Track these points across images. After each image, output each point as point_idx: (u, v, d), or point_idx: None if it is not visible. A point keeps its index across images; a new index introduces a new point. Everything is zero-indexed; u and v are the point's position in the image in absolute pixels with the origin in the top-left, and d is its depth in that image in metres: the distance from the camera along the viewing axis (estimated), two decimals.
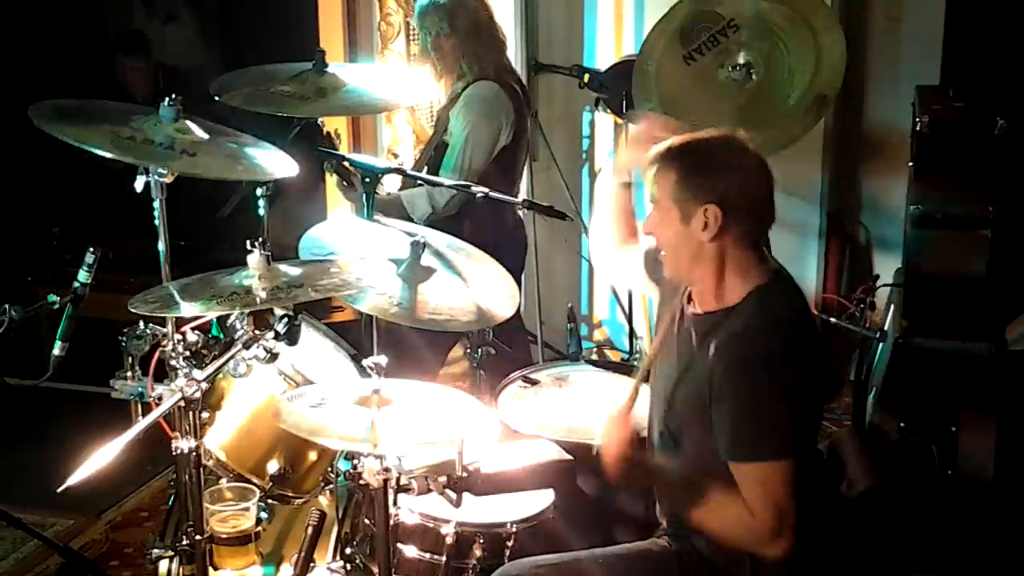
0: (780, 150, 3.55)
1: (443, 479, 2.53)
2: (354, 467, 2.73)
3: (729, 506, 2.63)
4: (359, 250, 3.13)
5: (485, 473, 2.56)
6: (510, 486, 2.70)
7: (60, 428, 4.71)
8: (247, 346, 2.72)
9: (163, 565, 3.20)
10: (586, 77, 5.19)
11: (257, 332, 2.73)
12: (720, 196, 2.64)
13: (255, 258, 2.64)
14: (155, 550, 3.07)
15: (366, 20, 5.30)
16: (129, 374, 2.93)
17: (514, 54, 5.35)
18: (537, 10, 5.45)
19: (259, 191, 3.36)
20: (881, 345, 4.33)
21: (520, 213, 4.65)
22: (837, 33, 3.74)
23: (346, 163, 3.81)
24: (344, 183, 4.03)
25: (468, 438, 2.50)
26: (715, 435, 2.64)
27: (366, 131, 5.30)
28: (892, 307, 4.44)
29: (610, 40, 5.34)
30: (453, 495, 2.53)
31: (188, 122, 2.90)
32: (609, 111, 5.26)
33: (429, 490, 2.57)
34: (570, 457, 2.67)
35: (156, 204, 2.86)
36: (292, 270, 2.69)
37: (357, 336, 3.38)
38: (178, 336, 2.88)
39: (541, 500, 2.95)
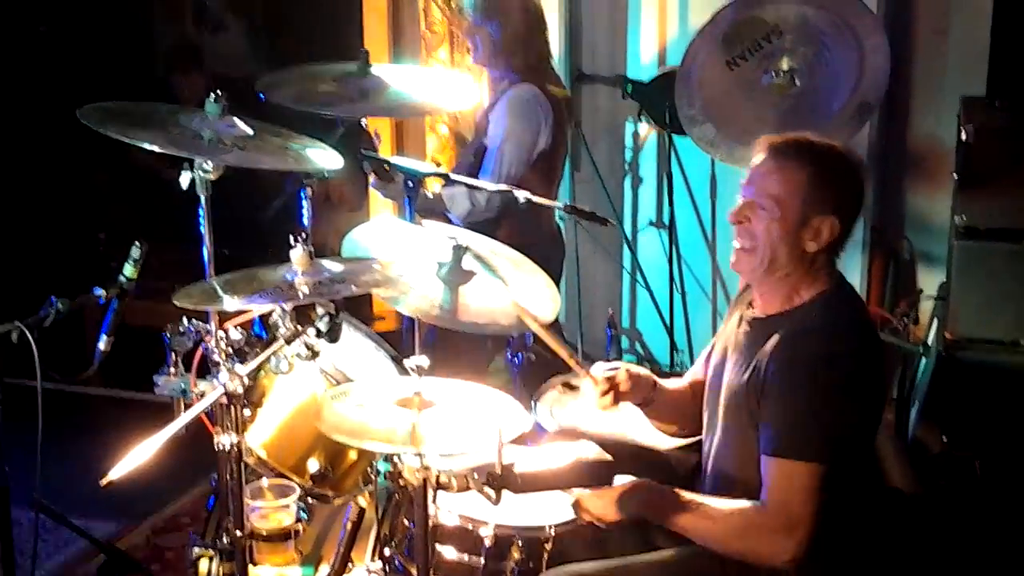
0: None
1: (482, 476, 2.52)
2: (393, 466, 2.73)
3: (735, 511, 2.62)
4: (401, 252, 3.14)
5: (524, 471, 2.54)
6: (549, 484, 2.68)
7: (103, 432, 4.71)
8: (289, 342, 2.72)
9: (203, 565, 3.24)
10: (629, 88, 5.22)
11: (299, 328, 2.73)
12: (843, 210, 2.64)
13: (298, 253, 2.65)
14: (195, 548, 3.10)
15: (411, 28, 5.34)
16: (172, 371, 2.95)
17: (558, 64, 5.37)
18: (581, 20, 5.46)
19: (303, 193, 3.38)
20: (924, 359, 4.30)
21: (558, 223, 4.65)
22: (881, 39, 3.73)
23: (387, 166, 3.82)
24: (381, 181, 4.03)
25: (507, 435, 2.49)
26: (756, 430, 2.63)
27: (409, 135, 5.33)
28: (936, 321, 4.40)
29: (654, 51, 5.34)
30: (492, 492, 2.51)
31: (235, 118, 2.92)
32: (652, 122, 5.27)
33: (468, 487, 2.55)
34: (610, 457, 2.66)
35: (201, 201, 2.88)
36: (335, 266, 2.69)
37: (398, 343, 3.39)
38: (221, 333, 2.90)
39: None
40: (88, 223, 6.12)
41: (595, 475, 2.65)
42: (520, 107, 4.23)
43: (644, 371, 2.99)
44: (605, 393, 2.88)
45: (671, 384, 3.07)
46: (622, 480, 2.75)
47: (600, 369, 2.93)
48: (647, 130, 5.43)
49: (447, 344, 3.76)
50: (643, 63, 5.37)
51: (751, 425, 2.69)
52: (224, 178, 2.92)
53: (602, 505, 2.71)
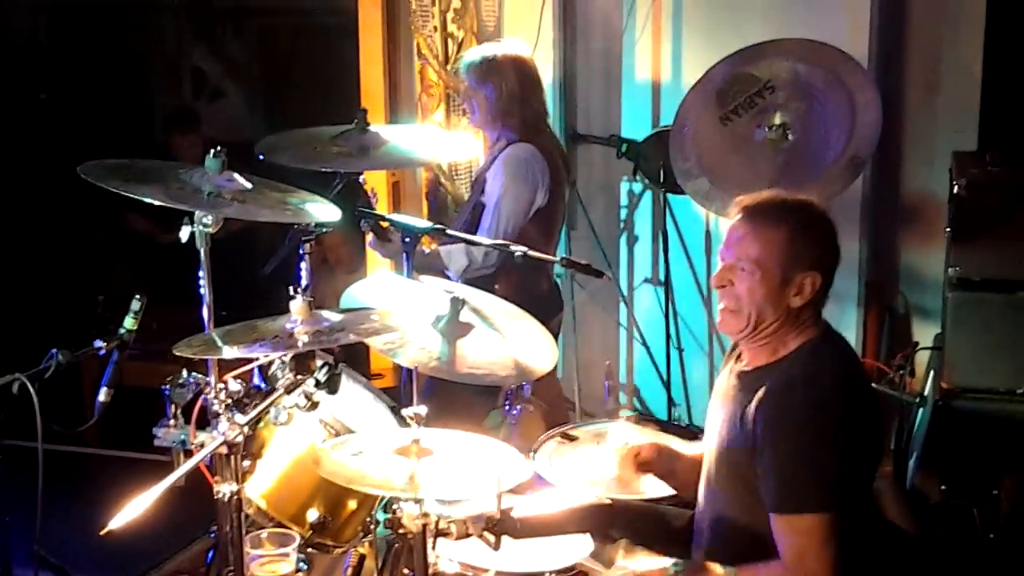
0: None
1: (481, 522, 2.53)
2: (392, 513, 2.74)
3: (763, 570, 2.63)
4: (399, 306, 3.16)
5: (523, 516, 2.56)
6: (549, 529, 2.69)
7: (102, 491, 4.70)
8: (288, 391, 2.75)
9: None
10: (624, 147, 5.25)
11: (299, 377, 2.75)
12: (823, 263, 2.67)
13: (298, 303, 2.69)
14: None
15: (407, 92, 5.41)
16: (172, 422, 2.96)
17: (552, 124, 5.43)
18: (575, 80, 5.52)
19: (302, 250, 3.42)
20: (921, 410, 4.32)
21: (556, 280, 4.69)
22: (873, 94, 3.78)
23: (385, 223, 3.86)
24: (379, 240, 4.06)
25: (506, 482, 2.51)
26: (758, 488, 2.64)
27: (406, 196, 5.39)
28: (932, 372, 4.42)
29: (647, 110, 5.39)
30: (492, 538, 2.52)
31: (234, 173, 2.96)
32: (647, 181, 5.31)
33: (468, 534, 2.57)
34: (608, 501, 2.67)
35: (201, 255, 2.90)
36: (333, 316, 2.72)
37: (396, 399, 3.40)
38: (220, 385, 2.92)
39: (579, 548, 2.95)
40: (87, 285, 6.16)
41: (594, 520, 2.66)
42: (516, 166, 4.27)
43: (666, 444, 3.01)
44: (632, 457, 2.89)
45: (691, 449, 3.09)
46: (657, 560, 2.76)
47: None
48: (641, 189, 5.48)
49: (443, 398, 3.78)
50: (637, 122, 5.42)
51: (740, 481, 2.71)
52: (222, 239, 2.95)
53: None
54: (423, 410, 2.68)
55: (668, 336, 5.24)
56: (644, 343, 5.44)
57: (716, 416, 2.87)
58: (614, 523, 2.75)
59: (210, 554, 3.34)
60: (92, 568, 4.25)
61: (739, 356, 2.86)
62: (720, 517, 2.82)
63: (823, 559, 2.54)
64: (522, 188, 4.26)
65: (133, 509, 2.55)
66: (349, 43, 5.55)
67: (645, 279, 5.56)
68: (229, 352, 2.62)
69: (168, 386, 2.96)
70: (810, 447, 2.57)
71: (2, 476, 2.80)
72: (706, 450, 2.90)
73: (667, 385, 5.24)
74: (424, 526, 2.60)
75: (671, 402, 5.26)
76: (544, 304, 4.36)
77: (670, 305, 5.26)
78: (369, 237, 4.10)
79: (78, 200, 6.41)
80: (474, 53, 4.42)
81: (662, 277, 5.31)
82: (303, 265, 3.43)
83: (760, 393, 2.66)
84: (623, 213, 5.56)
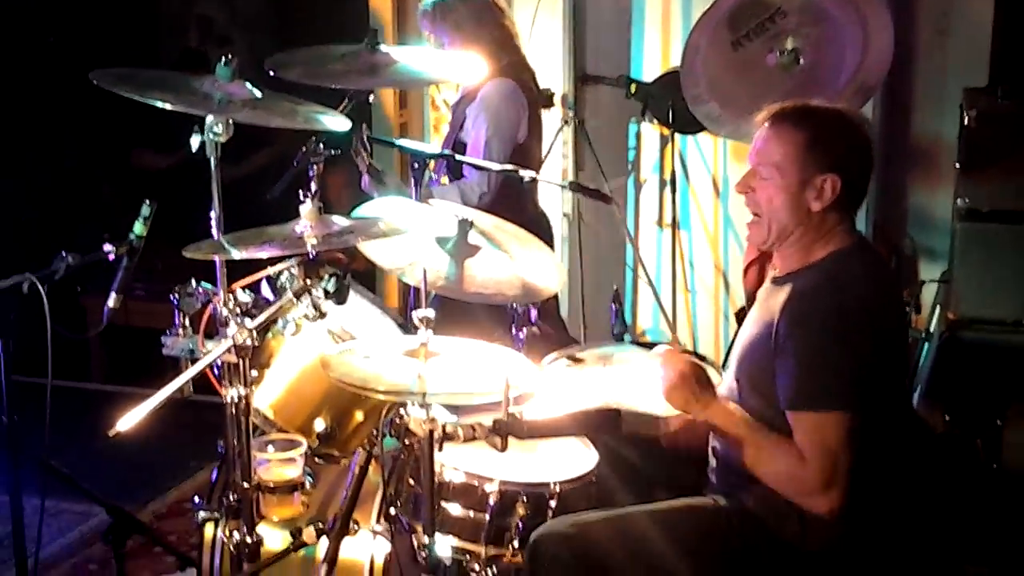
0: None
1: (488, 424, 2.54)
2: (399, 418, 2.75)
3: (782, 454, 2.64)
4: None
5: (530, 418, 2.57)
6: (555, 431, 2.71)
7: (106, 427, 4.75)
8: (298, 296, 2.75)
9: (208, 531, 3.25)
10: (633, 88, 5.24)
11: (308, 282, 2.76)
12: (845, 166, 2.66)
13: (307, 207, 2.69)
14: (201, 513, 3.11)
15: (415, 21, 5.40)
16: (180, 331, 2.96)
17: (562, 65, 5.44)
18: (585, 21, 5.51)
19: (311, 170, 3.41)
20: (927, 345, 4.33)
21: (543, 211, 4.64)
22: (886, 16, 3.77)
23: (398, 147, 3.84)
24: (374, 181, 4.04)
25: (513, 381, 2.52)
26: (776, 386, 2.65)
27: (413, 121, 5.41)
28: (938, 307, 4.43)
29: (657, 51, 5.39)
30: (498, 440, 2.53)
31: (245, 83, 2.94)
32: (655, 122, 5.30)
33: (474, 437, 2.58)
34: (615, 407, 2.67)
35: (212, 164, 2.89)
36: (343, 221, 2.73)
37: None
38: (229, 295, 2.92)
39: (586, 461, 2.97)
40: (95, 232, 6.16)
41: (601, 422, 2.67)
42: (501, 100, 4.22)
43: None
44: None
45: None
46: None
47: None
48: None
49: (446, 322, 3.79)
50: (646, 63, 5.41)
51: (761, 383, 2.71)
52: (229, 185, 2.94)
53: (684, 396, 2.73)
54: (431, 313, 2.69)
55: (675, 279, 5.25)
56: (651, 284, 5.43)
57: (749, 321, 2.88)
58: (617, 430, 2.76)
59: (215, 474, 3.34)
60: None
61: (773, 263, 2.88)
62: None
63: (842, 460, 2.56)
64: (507, 123, 4.23)
65: (141, 411, 2.57)
66: None
67: (653, 221, 5.56)
68: (238, 254, 2.62)
69: (176, 295, 2.96)
70: (828, 348, 2.58)
71: (10, 377, 2.79)
72: (732, 358, 2.91)
73: (672, 327, 5.25)
74: (431, 431, 2.61)
75: (676, 343, 5.26)
76: (535, 228, 4.34)
77: (677, 247, 5.27)
78: (364, 179, 4.09)
79: (86, 145, 6.45)
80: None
81: (669, 219, 5.31)
82: (312, 185, 3.41)
83: (785, 295, 2.67)
84: (631, 154, 5.56)
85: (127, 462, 4.53)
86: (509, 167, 3.77)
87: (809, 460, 2.58)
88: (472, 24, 4.26)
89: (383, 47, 3.50)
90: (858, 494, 2.60)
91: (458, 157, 3.87)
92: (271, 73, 3.19)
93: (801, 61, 3.80)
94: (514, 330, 3.65)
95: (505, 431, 2.51)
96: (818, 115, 2.73)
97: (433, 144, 5.22)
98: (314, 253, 2.68)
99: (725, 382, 2.88)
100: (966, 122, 4.11)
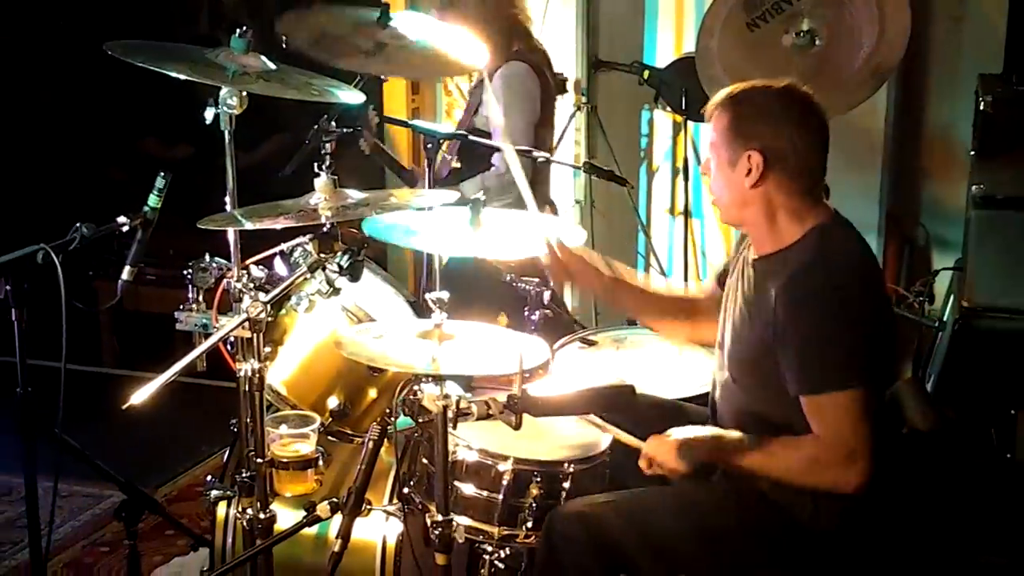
0: (836, 115, 3.55)
1: (502, 400, 2.52)
2: (413, 395, 2.74)
3: (792, 448, 2.63)
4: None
5: (544, 395, 2.55)
6: (570, 408, 2.68)
7: (116, 411, 4.74)
8: (312, 270, 2.74)
9: (221, 510, 3.24)
10: (646, 74, 5.23)
11: (322, 257, 2.75)
12: (764, 144, 2.66)
13: (322, 180, 2.68)
14: (214, 491, 3.10)
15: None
16: (194, 306, 2.96)
17: (575, 51, 5.42)
18: (599, 7, 5.50)
19: (324, 148, 3.39)
20: (940, 334, 4.30)
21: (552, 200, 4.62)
22: (902, 2, 3.75)
23: (412, 127, 3.84)
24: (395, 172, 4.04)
25: (527, 358, 2.50)
26: (781, 375, 2.64)
27: (426, 107, 5.39)
28: (951, 296, 4.40)
29: (670, 37, 5.37)
30: (512, 417, 2.51)
31: (260, 55, 2.93)
32: (668, 108, 5.29)
33: (489, 414, 2.56)
34: (631, 383, 2.66)
35: (226, 137, 2.88)
36: (357, 194, 2.72)
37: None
38: (242, 271, 2.92)
39: (600, 441, 2.95)
40: (105, 210, 6.16)
41: (615, 400, 2.65)
42: (516, 84, 4.22)
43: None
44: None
45: (660, 287, 3.27)
46: (682, 431, 2.76)
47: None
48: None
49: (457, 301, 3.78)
50: (660, 49, 5.40)
51: (760, 373, 2.71)
52: (244, 170, 2.92)
53: (665, 450, 2.73)
54: (445, 295, 2.68)
55: (686, 266, 5.24)
56: (662, 272, 5.43)
57: (729, 310, 2.87)
58: (633, 408, 2.75)
59: (228, 453, 3.33)
60: (107, 479, 4.28)
61: (749, 245, 2.86)
62: (741, 412, 2.82)
63: (862, 435, 2.55)
64: (525, 105, 4.22)
65: (154, 384, 2.56)
66: None
67: (665, 209, 5.55)
68: (251, 225, 2.61)
69: (190, 270, 2.95)
70: (831, 326, 2.57)
71: (25, 346, 2.77)
72: (719, 348, 2.90)
73: None
74: (445, 407, 2.60)
75: None
76: None
77: (689, 235, 5.25)
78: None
79: (96, 131, 6.44)
80: None
81: (682, 207, 5.30)
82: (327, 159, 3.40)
83: (774, 282, 2.66)
84: (644, 141, 5.54)
85: (139, 446, 4.54)
86: (524, 148, 3.75)
87: (829, 440, 2.57)
88: (483, 10, 4.25)
89: (395, 22, 3.46)
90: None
91: (471, 137, 3.86)
92: (283, 47, 3.18)
93: (817, 42, 3.79)
94: (526, 312, 3.65)
95: (520, 408, 2.49)
96: (745, 95, 2.74)
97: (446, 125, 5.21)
98: (329, 225, 2.67)
99: (719, 379, 2.87)
100: (981, 107, 4.08)
